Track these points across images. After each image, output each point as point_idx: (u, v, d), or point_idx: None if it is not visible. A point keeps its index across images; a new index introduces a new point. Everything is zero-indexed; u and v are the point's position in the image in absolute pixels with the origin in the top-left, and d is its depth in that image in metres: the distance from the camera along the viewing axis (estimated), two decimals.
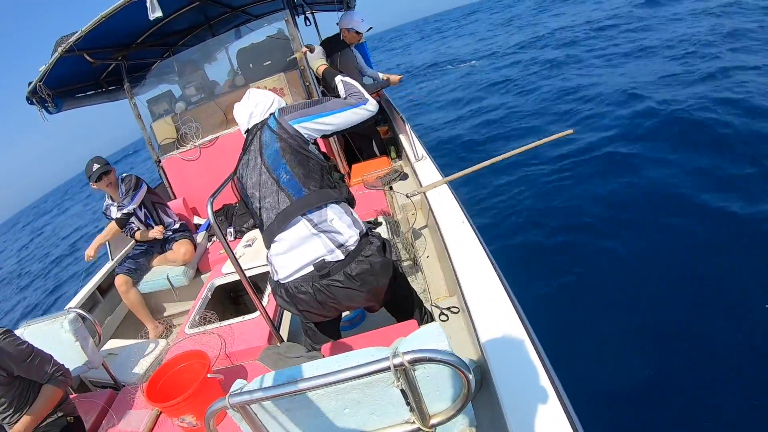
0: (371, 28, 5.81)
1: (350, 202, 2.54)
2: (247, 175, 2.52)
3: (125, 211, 4.75)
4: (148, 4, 4.08)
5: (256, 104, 2.61)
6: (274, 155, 2.40)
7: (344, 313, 3.88)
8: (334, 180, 2.50)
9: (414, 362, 1.25)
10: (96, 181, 4.61)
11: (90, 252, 4.71)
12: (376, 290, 2.45)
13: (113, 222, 4.78)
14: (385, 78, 6.23)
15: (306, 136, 2.45)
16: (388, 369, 1.26)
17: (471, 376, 1.30)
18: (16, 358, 2.61)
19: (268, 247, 2.49)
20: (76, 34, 4.52)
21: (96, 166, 4.60)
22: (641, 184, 6.95)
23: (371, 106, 2.48)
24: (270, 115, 2.56)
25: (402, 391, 1.35)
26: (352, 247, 2.35)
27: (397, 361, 1.24)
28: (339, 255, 2.33)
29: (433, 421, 1.45)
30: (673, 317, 4.57)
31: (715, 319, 4.37)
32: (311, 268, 2.35)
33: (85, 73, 5.61)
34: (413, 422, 1.47)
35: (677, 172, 6.92)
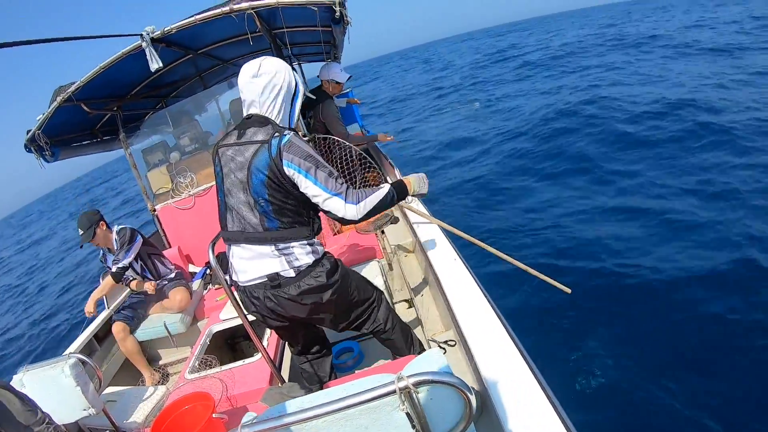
0: (351, 77, 5.96)
1: (318, 232, 2.65)
2: (227, 166, 2.58)
3: (120, 265, 4.79)
4: (148, 56, 4.23)
5: (260, 95, 2.58)
6: (260, 183, 2.44)
7: (342, 355, 3.97)
8: (309, 215, 2.60)
9: (418, 384, 1.33)
10: (90, 240, 4.74)
11: (89, 308, 4.72)
12: (320, 305, 2.61)
13: (109, 277, 4.82)
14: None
15: (295, 182, 2.45)
16: (393, 392, 1.34)
17: (472, 396, 1.38)
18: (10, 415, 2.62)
19: (225, 243, 2.70)
20: (75, 84, 4.64)
21: (80, 231, 4.73)
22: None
23: (350, 213, 2.49)
24: (277, 132, 2.47)
25: (407, 414, 1.42)
26: (303, 268, 2.52)
27: (402, 384, 1.32)
28: (291, 273, 2.51)
29: None
30: (677, 349, 4.70)
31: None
32: (265, 279, 2.54)
33: (81, 122, 5.74)
34: None
35: None
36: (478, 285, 2.98)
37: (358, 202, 2.48)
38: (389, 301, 3.45)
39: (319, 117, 5.69)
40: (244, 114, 2.68)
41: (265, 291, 2.56)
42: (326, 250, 2.71)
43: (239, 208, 2.54)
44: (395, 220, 5.33)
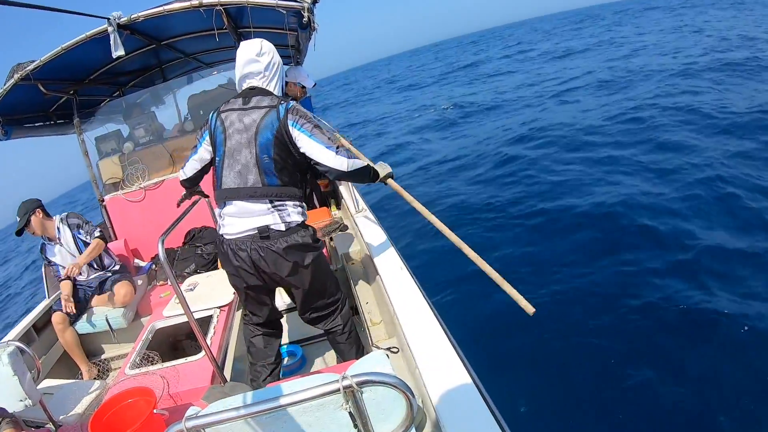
0: (315, 84, 5.98)
1: (306, 199, 3.00)
2: (232, 127, 2.81)
3: (100, 230, 4.88)
4: (111, 42, 4.18)
5: (264, 70, 2.92)
6: (266, 140, 2.72)
7: (285, 360, 3.98)
8: (303, 180, 2.92)
9: (361, 384, 1.37)
10: (26, 225, 4.64)
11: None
12: (299, 267, 2.84)
13: (97, 239, 4.80)
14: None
15: (296, 142, 2.75)
16: (337, 391, 1.37)
17: (413, 398, 1.42)
18: None
19: (219, 202, 2.89)
20: (35, 63, 4.56)
21: (18, 220, 4.64)
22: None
23: (341, 164, 2.78)
24: (281, 101, 2.82)
25: (350, 414, 1.45)
26: (293, 225, 2.80)
27: (345, 383, 1.36)
28: (282, 227, 2.77)
29: None
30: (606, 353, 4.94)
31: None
32: (255, 231, 2.76)
33: (36, 103, 5.62)
34: None
35: None
36: (423, 294, 3.04)
37: (349, 158, 2.79)
38: None
39: None
40: (244, 87, 2.98)
41: (253, 243, 2.76)
42: None
43: (242, 165, 2.77)
44: (344, 228, 5.37)
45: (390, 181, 3.35)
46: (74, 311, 4.54)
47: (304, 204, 2.93)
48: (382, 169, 3.27)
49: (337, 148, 2.78)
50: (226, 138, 2.82)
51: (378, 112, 28.79)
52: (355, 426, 1.50)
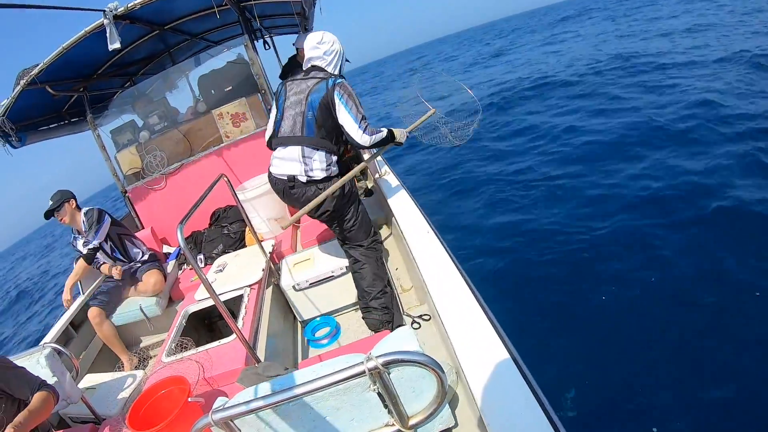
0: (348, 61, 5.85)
1: (339, 156, 3.61)
2: (291, 91, 3.57)
3: (91, 246, 4.71)
4: (107, 34, 4.10)
5: (323, 54, 3.58)
6: (313, 101, 3.40)
7: (318, 332, 3.97)
8: (337, 139, 3.50)
9: (387, 364, 1.30)
10: (57, 209, 4.62)
11: (66, 296, 4.68)
12: (315, 210, 3.55)
13: (81, 260, 4.73)
14: None
15: (336, 111, 3.38)
16: (363, 374, 1.31)
17: (443, 375, 1.36)
18: (9, 371, 2.73)
19: (273, 147, 3.66)
20: (38, 66, 4.50)
21: (50, 203, 4.63)
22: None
23: (363, 140, 3.41)
24: (332, 76, 3.50)
25: (379, 394, 1.40)
26: (314, 179, 3.47)
27: (371, 364, 1.29)
28: (304, 179, 3.47)
29: (412, 421, 1.49)
30: (645, 324, 4.75)
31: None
32: (285, 178, 3.53)
33: (47, 105, 5.58)
34: (392, 425, 1.51)
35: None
36: (452, 258, 2.96)
37: (371, 135, 3.40)
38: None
39: None
40: (305, 67, 3.67)
41: (283, 185, 3.58)
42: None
43: (292, 118, 3.51)
44: (369, 193, 5.31)
45: (403, 137, 3.80)
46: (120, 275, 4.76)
47: (333, 159, 3.54)
48: (400, 133, 3.74)
49: (366, 126, 3.37)
50: (285, 99, 3.57)
51: None
52: (386, 406, 1.45)
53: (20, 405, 2.72)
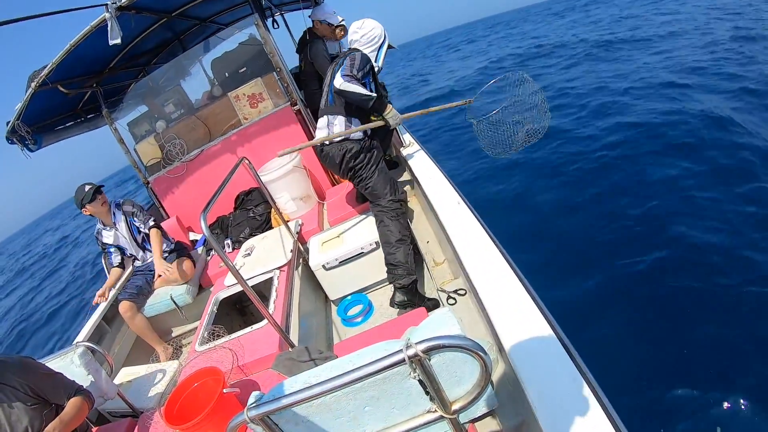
0: (344, 20, 5.71)
1: (361, 119, 4.07)
2: (330, 68, 4.13)
3: (152, 221, 4.93)
4: (108, 29, 4.02)
5: (361, 38, 4.15)
6: (335, 74, 3.92)
7: (351, 310, 3.93)
8: (357, 108, 3.99)
9: (428, 351, 1.22)
10: (90, 201, 4.60)
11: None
12: (338, 167, 4.08)
13: (154, 230, 4.90)
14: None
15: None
16: (403, 362, 1.23)
17: (487, 358, 1.27)
18: (45, 378, 2.72)
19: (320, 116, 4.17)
20: (48, 67, 4.45)
21: (88, 187, 4.62)
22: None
23: (337, 82, 3.85)
24: (353, 51, 4.03)
25: (420, 381, 1.32)
26: (336, 140, 3.97)
27: (411, 352, 1.22)
28: (327, 142, 4.01)
29: (455, 407, 1.42)
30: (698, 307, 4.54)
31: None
32: (319, 144, 4.07)
33: (61, 104, 5.55)
34: (435, 411, 1.44)
35: None
36: (486, 229, 2.86)
37: (349, 82, 3.80)
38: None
39: (308, 57, 5.53)
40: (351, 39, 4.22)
41: (319, 150, 4.15)
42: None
43: (325, 93, 4.10)
44: (394, 165, 5.21)
45: (396, 119, 4.18)
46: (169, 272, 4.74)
47: (353, 121, 4.01)
48: (394, 114, 4.16)
49: (350, 78, 3.80)
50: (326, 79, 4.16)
51: None
52: (427, 393, 1.37)
53: (58, 410, 2.72)
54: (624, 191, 6.73)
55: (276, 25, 7.18)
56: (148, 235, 4.94)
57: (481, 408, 1.55)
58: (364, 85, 3.89)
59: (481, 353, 1.24)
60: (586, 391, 1.67)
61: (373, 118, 4.14)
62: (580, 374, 1.71)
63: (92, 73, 5.58)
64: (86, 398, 2.77)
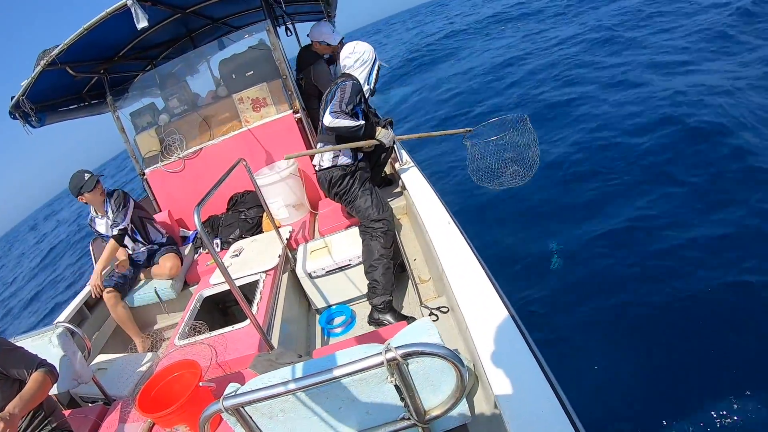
0: (343, 38, 5.75)
1: (343, 141, 4.13)
2: (324, 99, 4.19)
3: (121, 227, 4.73)
4: (134, 14, 4.05)
5: (354, 63, 4.21)
6: (327, 102, 4.08)
7: (334, 320, 3.95)
8: (346, 138, 4.09)
9: (406, 356, 1.25)
10: (90, 190, 4.59)
11: (96, 281, 4.62)
12: (327, 192, 4.30)
13: (111, 241, 4.71)
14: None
15: None
16: (381, 365, 1.26)
17: (463, 369, 1.31)
18: (6, 352, 2.71)
19: None
20: (59, 47, 4.46)
21: (87, 175, 4.60)
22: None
23: (327, 120, 3.99)
24: (343, 80, 4.07)
25: (396, 387, 1.35)
26: (323, 165, 4.19)
27: (389, 355, 1.25)
28: (317, 168, 4.29)
29: (429, 416, 1.45)
30: (669, 317, 4.62)
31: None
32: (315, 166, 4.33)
33: (67, 86, 5.55)
34: (408, 419, 1.46)
35: None
36: (473, 250, 2.90)
37: (336, 118, 3.94)
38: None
39: (311, 79, 5.57)
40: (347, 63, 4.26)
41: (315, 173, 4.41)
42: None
43: (321, 118, 4.12)
44: (389, 182, 5.26)
45: (387, 138, 4.39)
46: (101, 290, 4.60)
47: (339, 151, 4.13)
48: (385, 135, 4.38)
49: (337, 113, 3.94)
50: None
51: None
52: (402, 399, 1.40)
53: (21, 386, 2.69)
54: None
55: (289, 33, 7.25)
56: (138, 227, 4.95)
57: (454, 421, 1.58)
58: (356, 115, 4.10)
59: (457, 363, 1.28)
60: (562, 416, 1.70)
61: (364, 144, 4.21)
62: (557, 398, 1.74)
63: (102, 59, 5.60)
64: (49, 373, 2.69)
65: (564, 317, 5.04)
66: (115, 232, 4.73)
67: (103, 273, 4.68)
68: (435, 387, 1.41)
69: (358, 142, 4.12)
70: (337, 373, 1.28)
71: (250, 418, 1.47)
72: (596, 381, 4.22)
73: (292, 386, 1.32)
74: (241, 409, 1.42)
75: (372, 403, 1.43)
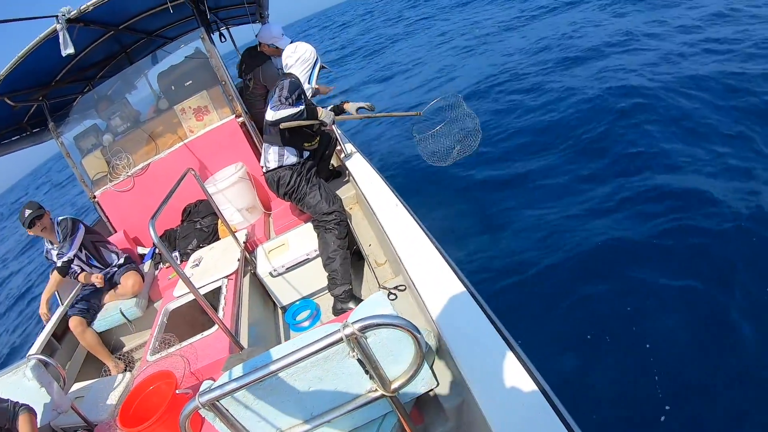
0: (292, 41, 5.78)
1: (296, 147, 4.25)
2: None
3: (65, 258, 4.64)
4: (60, 40, 4.03)
5: (295, 62, 4.31)
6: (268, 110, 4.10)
7: (299, 315, 4.03)
8: (291, 135, 4.18)
9: (363, 329, 1.34)
10: (29, 227, 4.52)
11: (43, 310, 4.61)
12: (276, 192, 4.36)
13: (55, 272, 4.66)
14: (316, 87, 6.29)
15: None
16: (340, 341, 1.34)
17: (419, 335, 1.40)
18: None
19: None
20: None
21: (27, 212, 4.50)
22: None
23: (269, 115, 4.05)
24: (283, 79, 4.15)
25: (359, 360, 1.43)
26: (270, 167, 4.27)
27: (347, 331, 1.33)
28: (263, 170, 4.36)
29: (394, 385, 1.53)
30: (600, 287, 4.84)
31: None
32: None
33: (7, 118, 5.44)
34: (375, 390, 1.55)
35: None
36: (422, 227, 3.04)
37: (276, 110, 3.96)
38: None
39: (260, 80, 5.59)
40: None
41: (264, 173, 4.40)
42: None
43: (265, 123, 4.23)
44: (338, 174, 5.34)
45: (328, 117, 4.27)
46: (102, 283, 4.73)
47: (286, 150, 4.22)
48: (326, 114, 4.26)
49: (278, 105, 3.96)
50: None
51: None
52: (366, 372, 1.48)
53: None
54: None
55: (223, 39, 7.23)
56: (92, 252, 4.92)
57: (420, 386, 1.67)
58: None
59: (412, 330, 1.37)
60: (518, 366, 1.81)
61: (306, 145, 4.32)
62: (512, 351, 1.86)
63: (40, 86, 5.49)
64: (30, 413, 2.71)
65: (515, 280, 5.26)
66: (59, 263, 4.66)
67: (48, 301, 4.66)
68: (395, 357, 1.49)
69: (300, 122, 4.10)
70: (301, 354, 1.36)
71: (227, 411, 1.53)
72: (552, 337, 4.44)
73: (261, 373, 1.39)
74: (217, 403, 1.48)
75: (339, 379, 1.51)
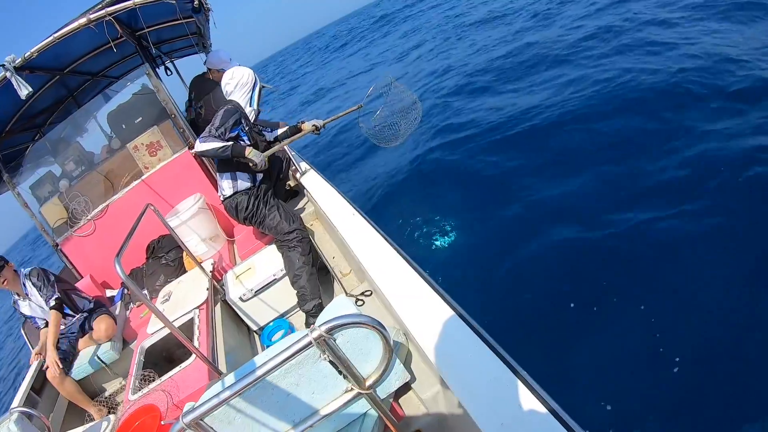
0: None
1: (247, 171, 4.25)
2: None
3: (55, 297, 4.64)
4: (15, 85, 4.04)
5: (235, 88, 4.32)
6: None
7: (274, 336, 4.07)
8: (236, 163, 4.17)
9: (330, 331, 1.40)
10: None
11: (54, 357, 4.33)
12: (237, 219, 4.35)
13: (53, 312, 4.56)
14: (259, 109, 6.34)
15: None
16: (310, 345, 1.40)
17: (385, 331, 1.46)
18: None
19: None
20: None
21: None
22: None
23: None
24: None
25: (331, 362, 1.49)
26: (226, 194, 4.27)
27: (315, 334, 1.39)
28: (221, 199, 4.35)
29: (368, 382, 1.59)
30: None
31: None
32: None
33: None
34: (352, 389, 1.61)
35: None
36: (379, 232, 3.15)
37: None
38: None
39: (211, 106, 5.61)
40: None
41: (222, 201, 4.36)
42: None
43: None
44: (294, 194, 5.41)
45: (258, 158, 4.14)
46: (59, 368, 4.38)
47: (238, 176, 4.23)
48: (255, 154, 4.13)
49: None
50: None
51: None
52: (340, 372, 1.54)
53: None
54: None
55: (169, 72, 7.24)
56: (65, 300, 4.86)
57: (394, 381, 1.74)
58: (238, 138, 4.20)
59: (377, 326, 1.43)
60: (485, 349, 1.89)
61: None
62: (479, 337, 1.94)
63: None
64: None
65: (473, 273, 5.51)
66: (52, 303, 4.62)
67: (55, 344, 4.60)
68: (366, 354, 1.56)
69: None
70: (274, 362, 1.41)
71: (212, 429, 1.58)
72: (517, 317, 4.69)
73: (239, 386, 1.44)
74: (200, 422, 1.52)
75: (315, 383, 1.57)
